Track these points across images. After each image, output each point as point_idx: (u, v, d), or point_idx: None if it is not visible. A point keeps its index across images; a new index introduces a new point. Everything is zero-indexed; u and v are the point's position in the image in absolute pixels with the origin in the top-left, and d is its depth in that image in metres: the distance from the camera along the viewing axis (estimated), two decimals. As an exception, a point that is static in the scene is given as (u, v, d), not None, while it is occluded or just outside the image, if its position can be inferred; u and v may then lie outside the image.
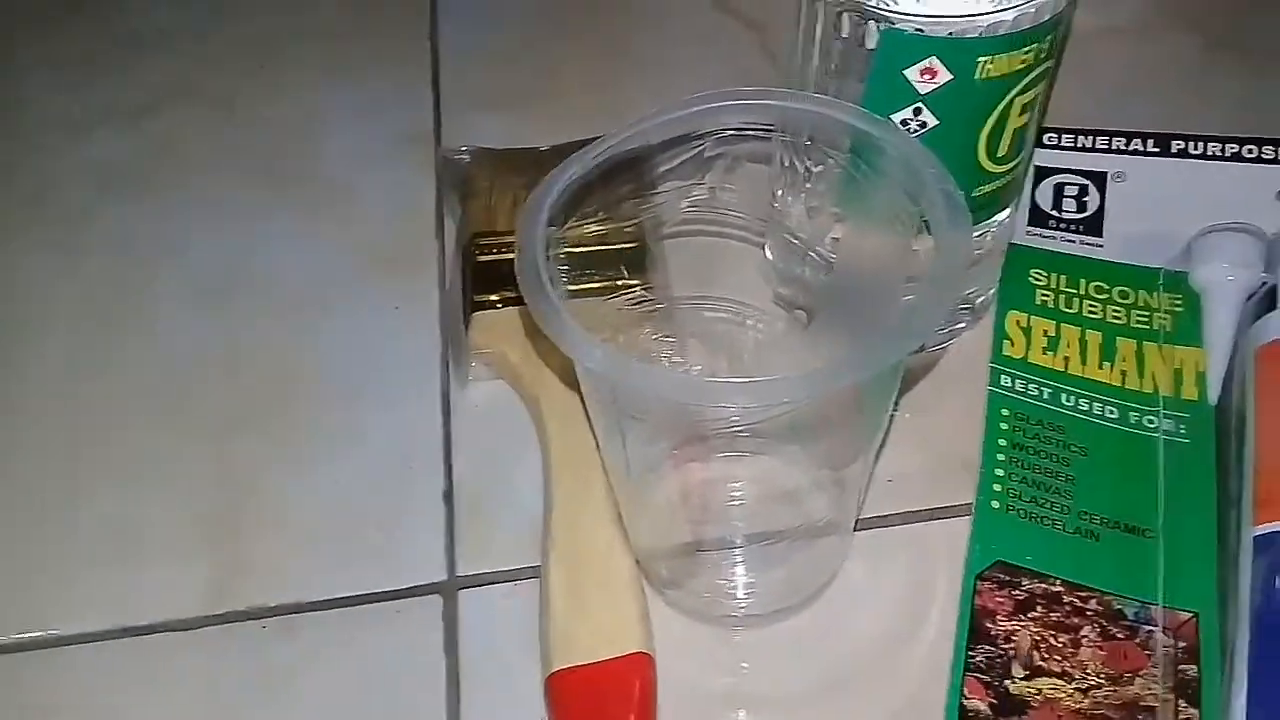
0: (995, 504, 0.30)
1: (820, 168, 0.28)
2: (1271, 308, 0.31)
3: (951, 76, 0.26)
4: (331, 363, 0.35)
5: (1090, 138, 0.38)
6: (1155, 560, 0.29)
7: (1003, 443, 0.31)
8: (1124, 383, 0.32)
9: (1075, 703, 0.26)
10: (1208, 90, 0.41)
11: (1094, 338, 0.33)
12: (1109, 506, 0.30)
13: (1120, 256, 0.35)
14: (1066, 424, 0.31)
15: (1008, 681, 0.27)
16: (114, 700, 0.29)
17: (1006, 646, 0.27)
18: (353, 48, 0.46)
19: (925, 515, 0.31)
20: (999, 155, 0.29)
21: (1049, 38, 0.27)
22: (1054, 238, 0.36)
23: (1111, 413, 0.32)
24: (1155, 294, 0.34)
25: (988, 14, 0.25)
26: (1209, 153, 0.37)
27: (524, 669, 0.28)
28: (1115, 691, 0.26)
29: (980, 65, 0.26)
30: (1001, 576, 0.28)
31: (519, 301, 0.22)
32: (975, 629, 0.28)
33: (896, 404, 0.32)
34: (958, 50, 0.26)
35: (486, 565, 0.30)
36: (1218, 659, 0.27)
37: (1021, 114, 0.28)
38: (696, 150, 0.26)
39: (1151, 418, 0.31)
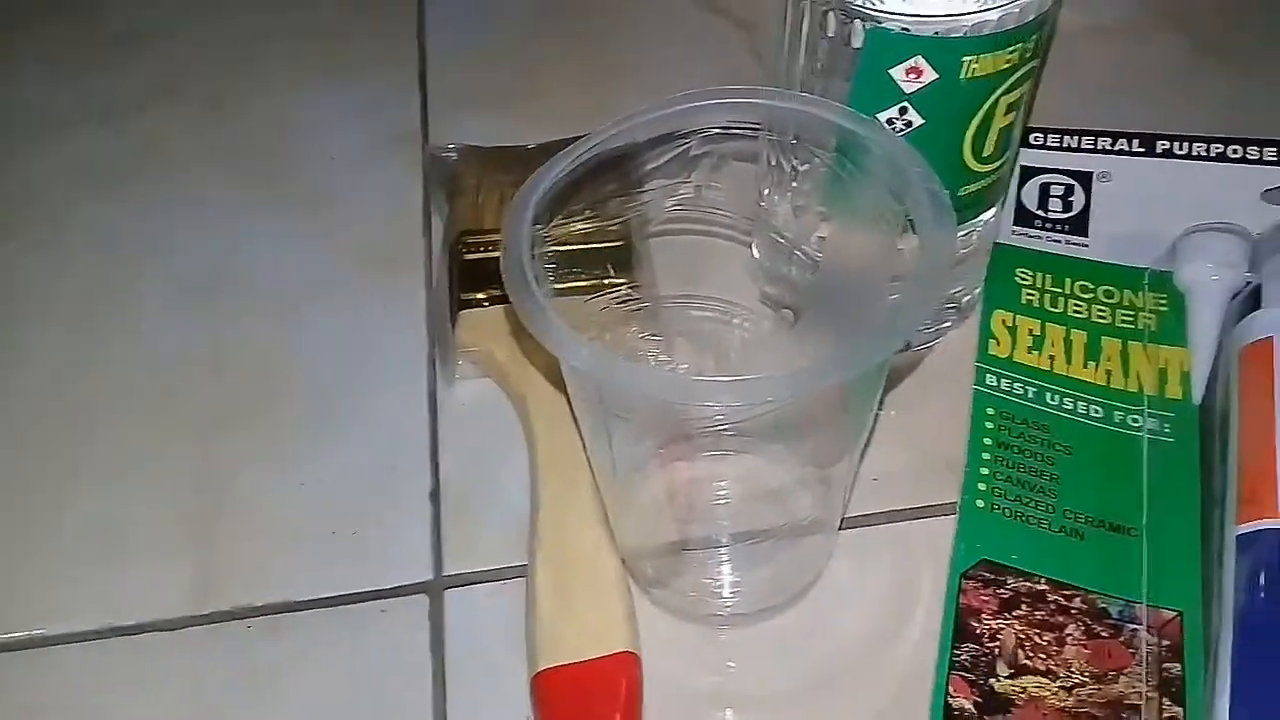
0: (980, 503, 0.30)
1: (806, 166, 0.28)
2: (1256, 307, 0.31)
3: (937, 76, 0.26)
4: (318, 361, 0.35)
5: (1076, 138, 0.38)
6: (1139, 559, 0.29)
7: (988, 442, 0.31)
8: (1109, 382, 0.32)
9: (1060, 701, 0.26)
10: (1194, 91, 0.41)
11: (1079, 337, 0.33)
12: (1094, 505, 0.30)
13: (1105, 256, 0.35)
14: (1051, 423, 0.32)
15: (992, 680, 0.27)
16: (99, 700, 0.28)
17: (991, 645, 0.27)
18: (340, 46, 0.45)
19: (910, 514, 0.31)
20: (984, 155, 0.29)
21: (1034, 37, 0.27)
22: (1040, 237, 0.36)
23: (1096, 412, 0.32)
24: (1140, 293, 0.34)
25: (972, 13, 0.25)
26: (1194, 153, 0.37)
27: (510, 668, 0.28)
28: (1100, 690, 0.27)
29: (965, 65, 0.26)
30: (986, 575, 0.29)
31: (506, 300, 0.22)
32: (960, 627, 0.28)
33: (881, 403, 0.32)
34: (943, 50, 0.26)
35: (473, 564, 0.30)
36: (1202, 657, 0.27)
37: (1007, 113, 0.28)
38: (682, 149, 0.26)
39: (1136, 417, 0.32)
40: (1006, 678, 0.27)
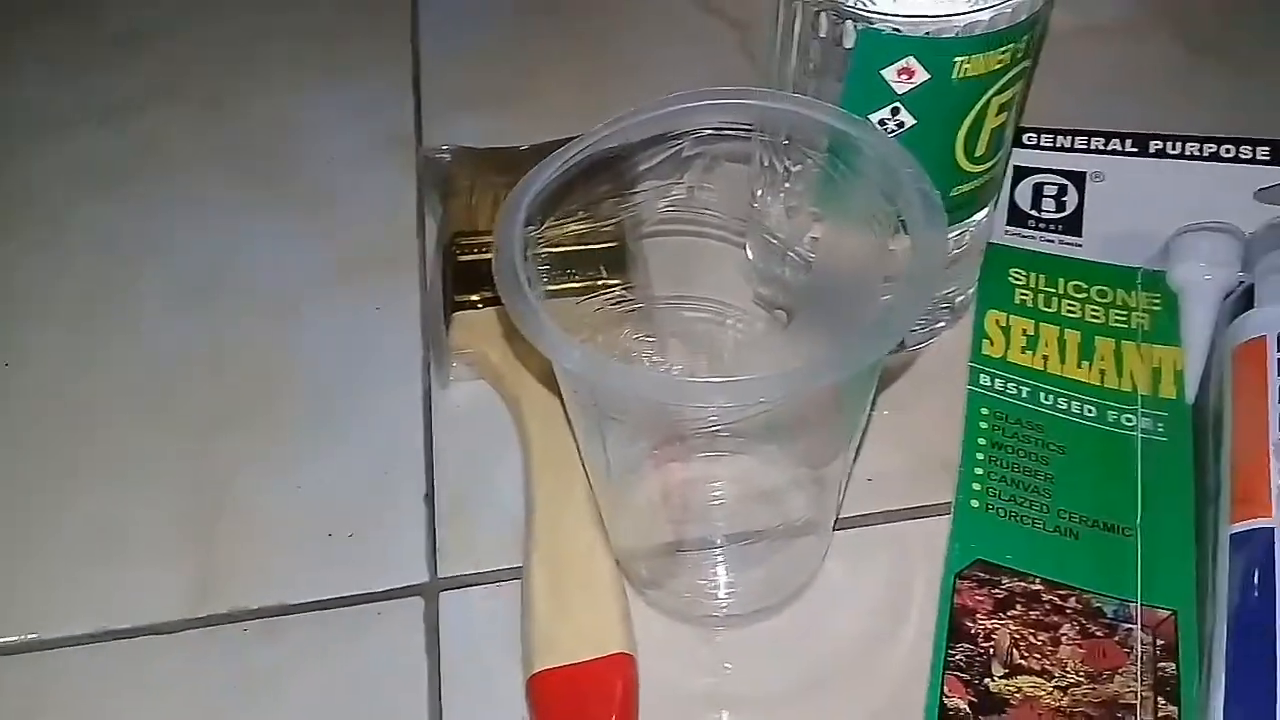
0: (975, 503, 0.30)
1: (799, 167, 0.28)
2: (1249, 306, 0.31)
3: (929, 76, 0.26)
4: (313, 363, 0.35)
5: (1069, 138, 0.38)
6: (1134, 558, 0.29)
7: (982, 442, 0.31)
8: (1103, 381, 0.32)
9: (1055, 700, 0.26)
10: (1187, 91, 0.41)
11: (1073, 337, 0.33)
12: (1088, 505, 0.30)
13: (1099, 256, 0.35)
14: (1045, 423, 0.32)
15: (988, 680, 0.27)
16: (96, 703, 0.28)
17: (986, 645, 0.27)
18: (335, 48, 0.45)
19: (905, 514, 0.31)
20: (977, 155, 0.29)
21: (1026, 38, 0.27)
22: (1033, 237, 0.36)
23: (1090, 411, 0.32)
24: (1133, 293, 0.34)
25: (964, 14, 0.25)
26: (1187, 152, 0.37)
27: (506, 670, 0.28)
28: (1095, 689, 0.27)
29: (957, 65, 0.26)
30: (981, 575, 0.29)
31: (499, 302, 0.22)
32: (955, 627, 0.28)
33: (875, 403, 0.32)
34: (934, 50, 0.26)
35: (468, 567, 0.30)
36: (1196, 656, 0.27)
37: (999, 114, 0.28)
38: (675, 150, 0.26)
39: (1130, 416, 0.32)
40: (1001, 677, 0.27)
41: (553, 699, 0.26)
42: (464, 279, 0.34)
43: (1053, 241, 0.36)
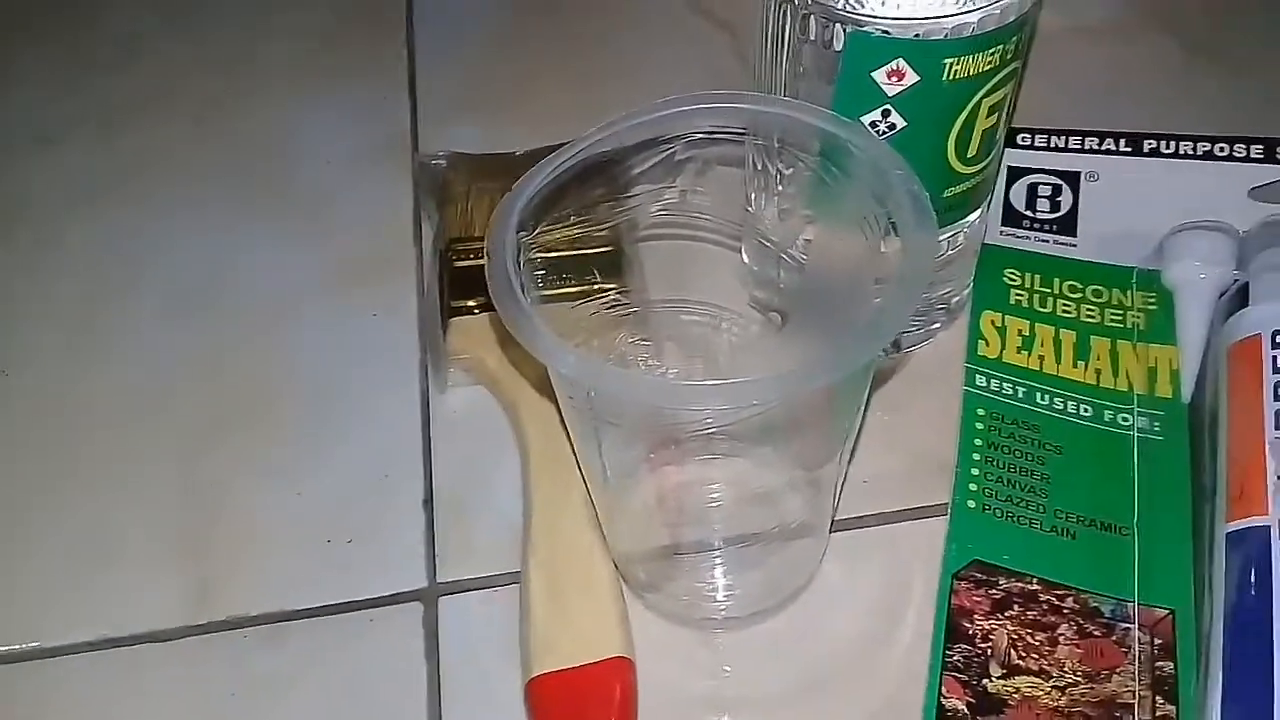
0: (971, 503, 0.30)
1: (791, 170, 0.28)
2: (1243, 305, 0.31)
3: (918, 78, 0.26)
4: (310, 370, 0.35)
5: (1063, 138, 0.38)
6: (1131, 558, 0.29)
7: (978, 442, 0.31)
8: (1098, 381, 0.33)
9: (1053, 700, 0.26)
10: (1181, 90, 0.41)
11: (1068, 337, 0.34)
12: (1084, 505, 0.30)
13: (1094, 255, 0.35)
14: (1042, 423, 0.32)
15: (985, 680, 0.27)
16: (96, 711, 0.28)
17: (984, 645, 0.27)
18: (329, 55, 0.46)
19: (902, 516, 0.31)
20: (968, 156, 0.29)
21: (1015, 39, 0.27)
22: (1028, 237, 0.36)
23: (1086, 411, 0.32)
24: (1129, 292, 0.34)
25: (953, 16, 0.25)
26: (1181, 152, 0.37)
27: (504, 675, 0.28)
28: (1092, 689, 0.27)
29: (947, 67, 0.26)
30: (978, 576, 0.29)
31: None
32: (952, 628, 0.28)
33: (870, 404, 0.32)
34: (924, 52, 0.26)
35: (467, 571, 0.30)
36: (1194, 655, 0.27)
37: (990, 115, 0.28)
38: (667, 154, 0.26)
39: (1126, 416, 0.32)
40: (999, 678, 0.27)
41: (551, 703, 0.27)
42: (460, 284, 0.34)
43: (1047, 241, 0.36)
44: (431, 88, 0.44)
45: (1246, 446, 0.28)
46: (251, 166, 0.41)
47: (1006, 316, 0.34)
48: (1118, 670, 0.27)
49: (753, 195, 0.31)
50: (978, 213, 0.32)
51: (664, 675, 0.28)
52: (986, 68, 0.27)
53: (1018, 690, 0.27)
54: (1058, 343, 0.33)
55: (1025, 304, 0.34)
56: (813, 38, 0.27)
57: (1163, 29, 0.44)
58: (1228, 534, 0.27)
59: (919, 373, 0.34)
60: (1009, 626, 0.28)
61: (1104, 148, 0.38)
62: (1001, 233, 0.36)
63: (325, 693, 0.28)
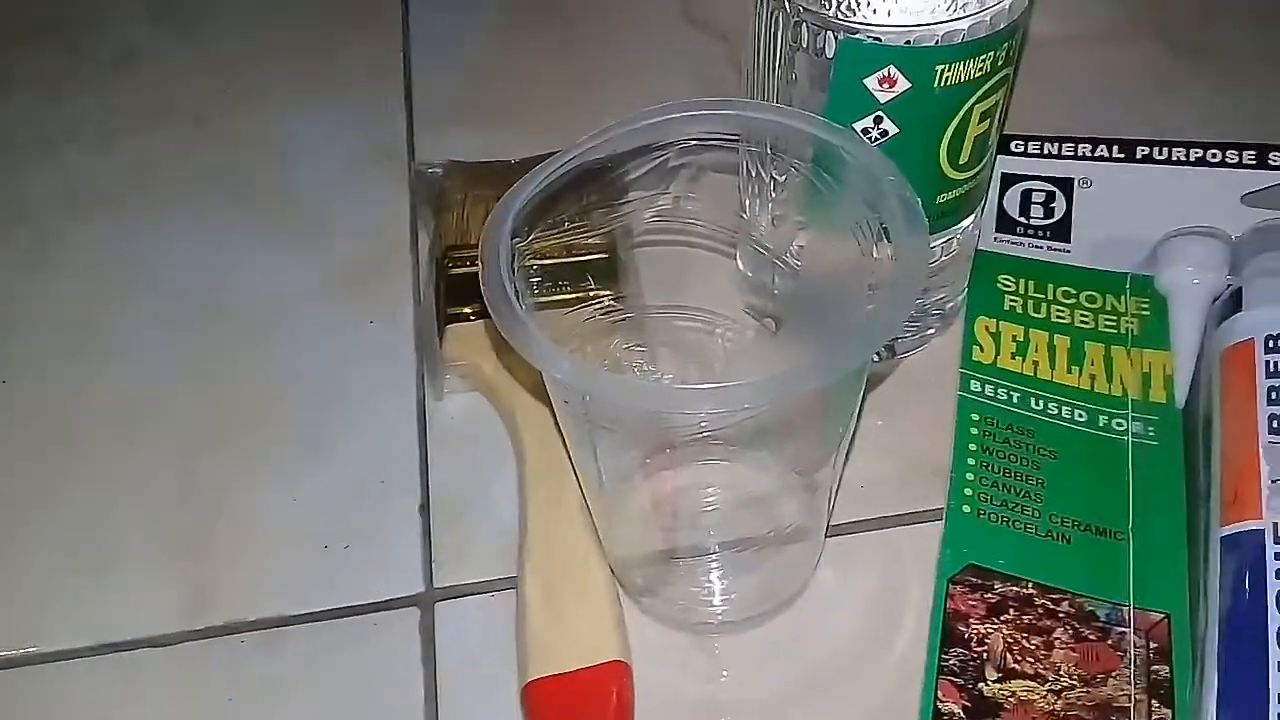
0: (966, 508, 0.30)
1: (784, 177, 0.28)
2: (1236, 310, 0.31)
3: (910, 85, 0.27)
4: (307, 377, 0.35)
5: (1057, 145, 0.38)
6: (1126, 562, 0.29)
7: (973, 447, 0.31)
8: (1093, 386, 0.33)
9: (1049, 704, 0.26)
10: (1174, 97, 0.42)
11: (1062, 342, 0.34)
12: (1079, 509, 0.30)
13: (1087, 261, 0.35)
14: (1036, 428, 0.32)
15: (981, 684, 0.27)
16: (94, 716, 0.28)
17: (980, 649, 0.27)
18: (325, 64, 0.46)
19: (897, 520, 0.31)
20: (961, 162, 0.29)
21: (1006, 45, 0.27)
22: (1022, 244, 0.36)
23: (1081, 416, 0.32)
24: (1122, 298, 0.35)
25: (944, 23, 0.25)
26: (1174, 158, 0.38)
27: (501, 679, 0.28)
28: (1088, 693, 0.27)
29: (938, 73, 0.26)
30: (973, 580, 0.29)
31: (491, 314, 0.22)
32: (948, 632, 0.28)
33: (865, 410, 0.32)
34: (915, 59, 0.26)
35: (463, 577, 0.30)
36: (1189, 659, 0.27)
37: (981, 121, 0.28)
38: (660, 160, 0.26)
39: (1120, 421, 0.32)
40: (995, 682, 0.27)
41: (548, 707, 0.27)
42: (456, 292, 0.34)
43: (1041, 248, 0.36)
44: (428, 97, 0.44)
45: (1240, 451, 0.28)
46: (249, 172, 0.42)
47: (1001, 322, 0.34)
48: (1113, 674, 0.27)
49: (746, 202, 0.31)
50: (971, 219, 0.32)
51: (660, 679, 0.28)
52: (978, 74, 0.27)
53: (1014, 694, 0.27)
54: (1052, 348, 0.34)
55: (1020, 310, 0.34)
56: (805, 45, 0.27)
57: (1154, 35, 0.44)
58: (1222, 538, 0.27)
59: (914, 378, 0.34)
60: (1005, 630, 0.28)
61: (1097, 154, 0.38)
62: (996, 239, 0.36)
63: (322, 698, 0.28)
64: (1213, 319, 0.32)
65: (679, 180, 0.27)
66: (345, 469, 0.33)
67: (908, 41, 0.26)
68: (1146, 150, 0.38)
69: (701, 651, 0.29)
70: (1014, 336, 0.34)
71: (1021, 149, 0.38)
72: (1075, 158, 0.38)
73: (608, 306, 0.30)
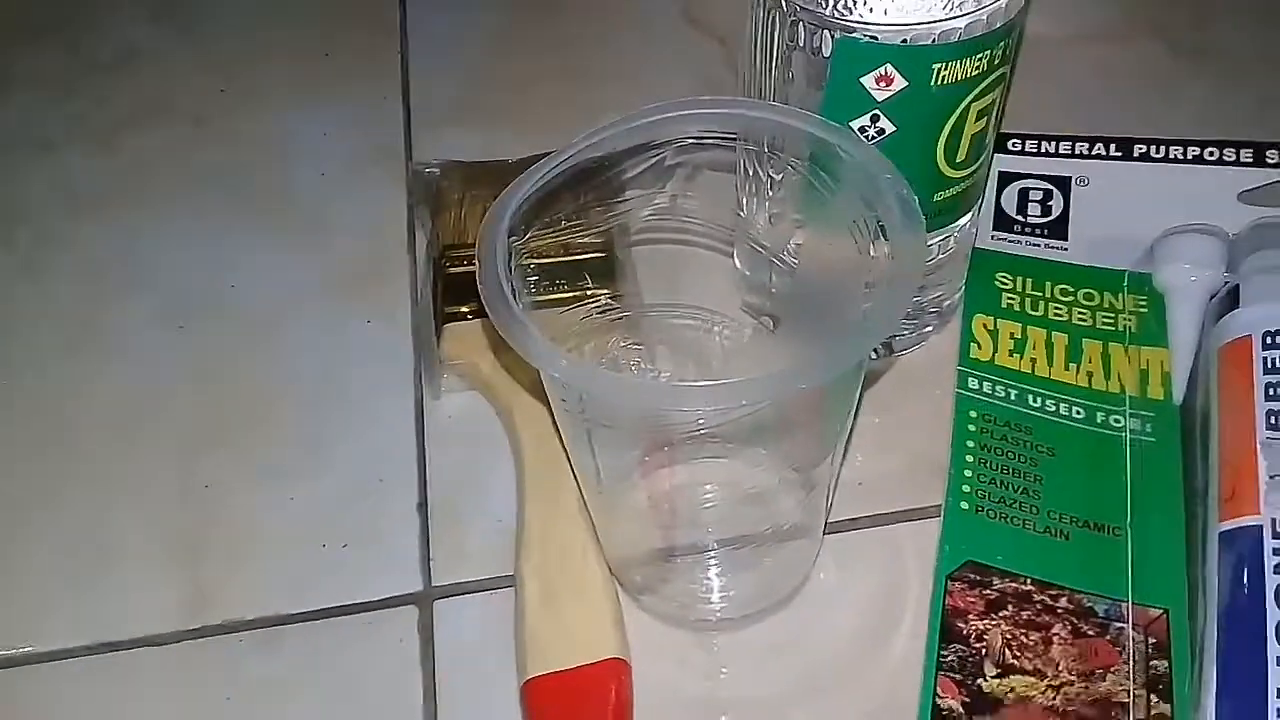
0: (965, 505, 0.30)
1: (781, 175, 0.28)
2: (1234, 307, 0.31)
3: (907, 83, 0.27)
4: (305, 377, 0.35)
5: (1054, 143, 0.38)
6: (1124, 558, 0.29)
7: (971, 444, 0.31)
8: (1090, 383, 0.33)
9: (1048, 700, 0.27)
10: (1171, 95, 0.42)
11: (1060, 339, 0.34)
12: (1077, 505, 0.30)
13: (1085, 259, 0.35)
14: (1034, 425, 0.32)
15: (980, 680, 0.27)
16: (91, 716, 0.29)
17: (978, 645, 0.27)
18: (323, 64, 0.46)
19: (895, 517, 0.31)
20: (958, 160, 0.29)
21: (1002, 44, 0.27)
22: (1019, 242, 0.36)
23: (1078, 413, 0.32)
24: (1120, 295, 0.35)
25: (940, 21, 0.26)
26: (1171, 156, 0.38)
27: (500, 677, 0.28)
28: (1087, 688, 0.27)
29: (935, 72, 0.26)
30: (972, 576, 0.29)
31: (488, 313, 0.22)
32: (947, 629, 0.28)
33: (863, 407, 0.32)
34: (911, 57, 0.26)
35: (462, 575, 0.30)
36: (1188, 654, 0.27)
37: (978, 119, 0.28)
38: (657, 159, 0.26)
39: (1118, 417, 0.32)
40: (994, 678, 0.27)
41: (547, 705, 0.27)
42: (454, 291, 0.34)
43: (1039, 245, 0.36)
44: (425, 97, 0.44)
45: (1238, 447, 0.28)
46: (248, 172, 0.42)
47: (998, 320, 0.34)
48: (1112, 669, 0.27)
49: (743, 200, 0.31)
50: (968, 217, 0.32)
51: (659, 677, 0.28)
52: (975, 72, 0.27)
53: (1013, 690, 0.27)
54: (1050, 345, 0.34)
55: (1017, 307, 0.34)
56: (801, 44, 0.27)
57: (1151, 33, 0.44)
58: (1220, 534, 0.27)
59: (912, 376, 0.34)
60: (1003, 626, 0.28)
61: (1094, 152, 0.38)
62: (993, 237, 0.36)
63: (321, 696, 0.28)
64: (1210, 316, 0.32)
65: (676, 179, 0.27)
66: (343, 468, 0.33)
67: (904, 40, 0.26)
68: (1144, 148, 0.38)
69: (700, 649, 0.29)
70: (1011, 334, 0.34)
71: (1019, 147, 0.38)
72: (1072, 156, 0.38)
73: (605, 305, 0.30)
